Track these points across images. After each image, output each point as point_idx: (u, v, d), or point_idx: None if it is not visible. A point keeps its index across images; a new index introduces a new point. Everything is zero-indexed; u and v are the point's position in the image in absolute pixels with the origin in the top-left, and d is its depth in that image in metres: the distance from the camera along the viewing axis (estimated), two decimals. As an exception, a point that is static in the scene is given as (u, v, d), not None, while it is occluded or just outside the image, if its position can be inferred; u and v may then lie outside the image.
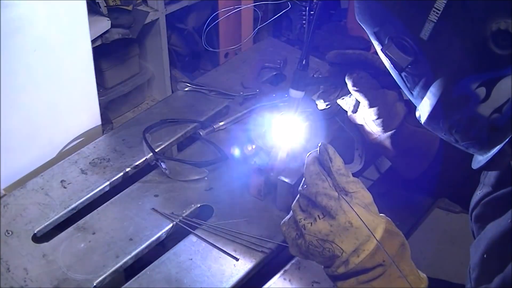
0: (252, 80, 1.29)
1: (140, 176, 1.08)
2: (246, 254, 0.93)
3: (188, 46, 2.29)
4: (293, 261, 0.93)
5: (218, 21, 1.67)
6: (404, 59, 0.63)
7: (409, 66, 0.64)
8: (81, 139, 1.17)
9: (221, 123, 1.17)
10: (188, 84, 1.28)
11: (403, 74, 0.67)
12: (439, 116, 0.65)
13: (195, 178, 1.05)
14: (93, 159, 1.11)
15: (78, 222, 0.99)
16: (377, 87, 0.94)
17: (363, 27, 0.71)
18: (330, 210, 0.70)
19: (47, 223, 0.99)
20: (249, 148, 1.09)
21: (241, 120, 1.20)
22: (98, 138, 1.16)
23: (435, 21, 0.59)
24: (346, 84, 0.94)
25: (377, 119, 0.95)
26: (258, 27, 1.58)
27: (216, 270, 0.91)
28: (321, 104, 1.02)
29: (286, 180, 0.96)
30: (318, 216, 0.71)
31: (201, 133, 1.15)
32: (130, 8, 1.80)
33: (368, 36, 0.71)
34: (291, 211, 0.75)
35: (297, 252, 0.75)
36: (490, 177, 0.79)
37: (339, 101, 1.01)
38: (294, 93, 0.91)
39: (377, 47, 0.70)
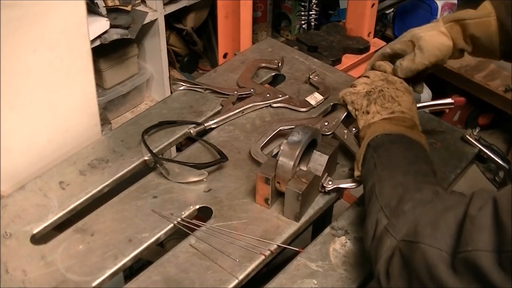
0: (248, 80, 1.28)
1: (139, 177, 1.08)
2: (245, 256, 0.93)
3: (187, 47, 2.28)
4: (293, 262, 0.93)
5: (216, 22, 1.67)
6: None
7: None
8: (79, 140, 1.17)
9: (212, 122, 1.17)
10: (183, 83, 1.28)
11: None
12: None
13: (194, 180, 1.05)
14: (92, 160, 1.10)
15: (76, 224, 0.99)
16: None
17: None
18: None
19: (46, 224, 0.99)
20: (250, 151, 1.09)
21: (238, 120, 1.20)
22: (97, 139, 1.16)
23: None
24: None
25: None
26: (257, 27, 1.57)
27: (216, 271, 0.91)
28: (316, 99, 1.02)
29: (294, 189, 0.95)
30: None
31: (191, 132, 1.15)
32: (128, 8, 1.80)
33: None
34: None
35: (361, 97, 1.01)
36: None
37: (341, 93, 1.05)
38: None
39: None
